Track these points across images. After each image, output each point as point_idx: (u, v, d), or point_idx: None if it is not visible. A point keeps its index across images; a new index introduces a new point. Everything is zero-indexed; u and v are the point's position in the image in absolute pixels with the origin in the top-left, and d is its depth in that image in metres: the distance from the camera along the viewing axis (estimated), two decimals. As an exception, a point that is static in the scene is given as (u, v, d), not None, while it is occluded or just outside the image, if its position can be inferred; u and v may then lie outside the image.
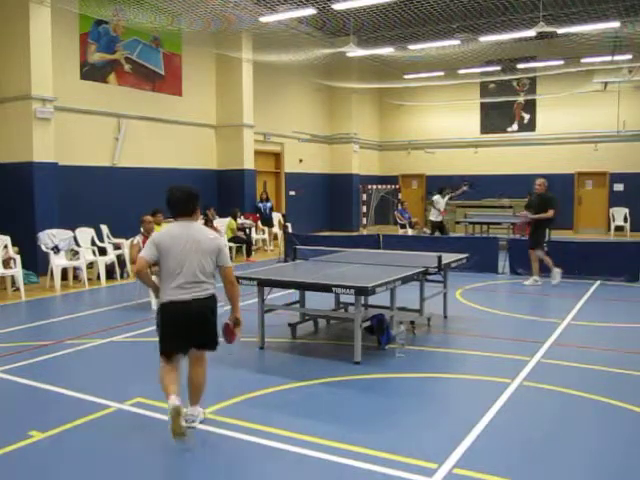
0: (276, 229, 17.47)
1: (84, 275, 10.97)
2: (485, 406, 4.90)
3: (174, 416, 4.10)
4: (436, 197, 15.33)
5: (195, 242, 4.40)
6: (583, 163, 20.95)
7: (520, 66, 19.49)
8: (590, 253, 11.56)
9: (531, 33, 14.08)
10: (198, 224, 4.65)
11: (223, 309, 4.66)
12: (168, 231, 4.53)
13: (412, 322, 7.39)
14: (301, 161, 20.51)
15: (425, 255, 8.12)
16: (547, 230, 11.25)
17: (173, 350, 4.47)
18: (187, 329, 4.43)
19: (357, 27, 16.67)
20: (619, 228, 20.39)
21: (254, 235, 16.14)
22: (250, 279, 6.57)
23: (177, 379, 4.45)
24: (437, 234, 15.01)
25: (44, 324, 8.22)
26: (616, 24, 14.21)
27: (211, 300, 4.49)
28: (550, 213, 10.48)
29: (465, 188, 16.57)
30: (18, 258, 10.18)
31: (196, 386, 4.58)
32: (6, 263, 10.17)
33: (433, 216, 15.35)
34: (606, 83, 19.56)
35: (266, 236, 17.18)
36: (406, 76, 20.65)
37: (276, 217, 17.71)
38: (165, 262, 4.39)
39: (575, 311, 8.59)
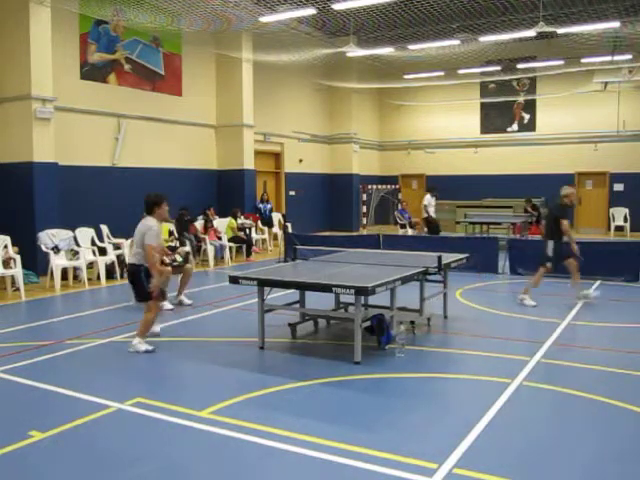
0: (276, 229, 17.48)
1: (84, 275, 10.96)
2: (485, 406, 4.90)
3: None
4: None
5: (138, 227, 6.66)
6: (583, 163, 20.94)
7: (520, 66, 19.46)
8: (590, 253, 11.53)
9: (531, 33, 14.07)
10: (150, 218, 6.67)
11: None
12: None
13: (412, 322, 7.39)
14: (301, 161, 20.50)
15: (425, 255, 8.12)
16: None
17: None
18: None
19: (357, 27, 16.66)
20: (619, 228, 20.37)
21: (254, 235, 16.14)
22: (250, 279, 6.57)
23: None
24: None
25: (44, 324, 8.22)
26: (616, 24, 14.20)
27: (135, 266, 6.66)
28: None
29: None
30: (18, 258, 10.17)
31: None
32: (6, 263, 10.17)
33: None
34: (606, 83, 19.52)
35: (266, 236, 17.19)
36: (406, 76, 20.62)
37: (276, 217, 17.72)
38: None
39: (575, 311, 8.59)
